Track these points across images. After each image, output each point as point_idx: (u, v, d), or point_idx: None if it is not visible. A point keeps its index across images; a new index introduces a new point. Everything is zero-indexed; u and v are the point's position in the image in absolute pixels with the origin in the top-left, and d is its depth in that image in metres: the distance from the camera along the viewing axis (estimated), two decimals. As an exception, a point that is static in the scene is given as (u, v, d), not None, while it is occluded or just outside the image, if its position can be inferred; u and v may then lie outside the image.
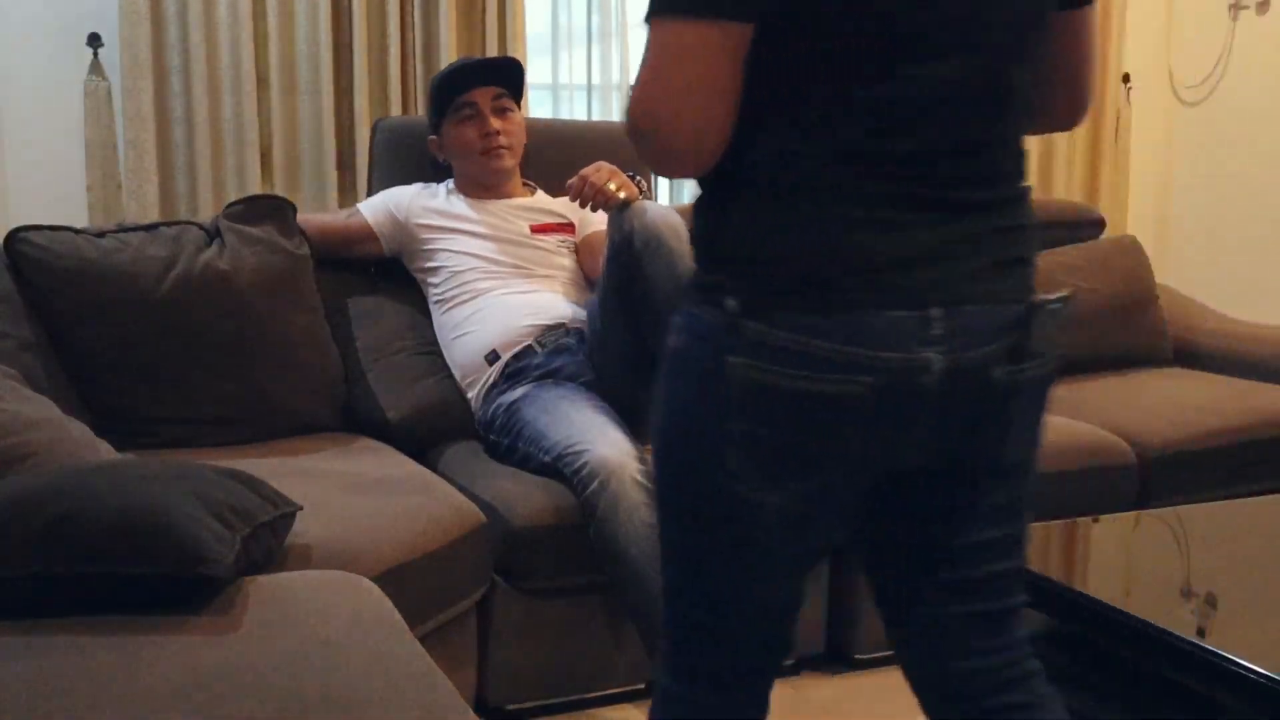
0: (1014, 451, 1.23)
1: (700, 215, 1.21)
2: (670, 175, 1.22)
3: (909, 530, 1.28)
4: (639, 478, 2.09)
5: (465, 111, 2.57)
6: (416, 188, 2.66)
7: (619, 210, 2.24)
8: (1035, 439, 1.26)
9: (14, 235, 2.24)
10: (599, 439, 2.14)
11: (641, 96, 1.11)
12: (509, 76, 2.62)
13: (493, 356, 2.45)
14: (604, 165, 2.34)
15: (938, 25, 1.11)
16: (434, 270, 2.58)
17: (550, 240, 2.63)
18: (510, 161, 2.61)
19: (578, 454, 2.12)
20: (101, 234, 2.30)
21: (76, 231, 2.29)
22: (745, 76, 1.12)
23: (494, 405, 2.39)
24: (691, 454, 1.19)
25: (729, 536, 1.21)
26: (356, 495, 1.99)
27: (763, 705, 1.32)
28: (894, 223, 1.13)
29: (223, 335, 2.29)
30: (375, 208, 2.62)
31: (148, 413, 2.27)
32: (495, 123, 2.56)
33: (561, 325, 2.48)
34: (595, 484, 2.07)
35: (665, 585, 1.29)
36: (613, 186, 2.29)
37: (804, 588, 1.29)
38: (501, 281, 2.52)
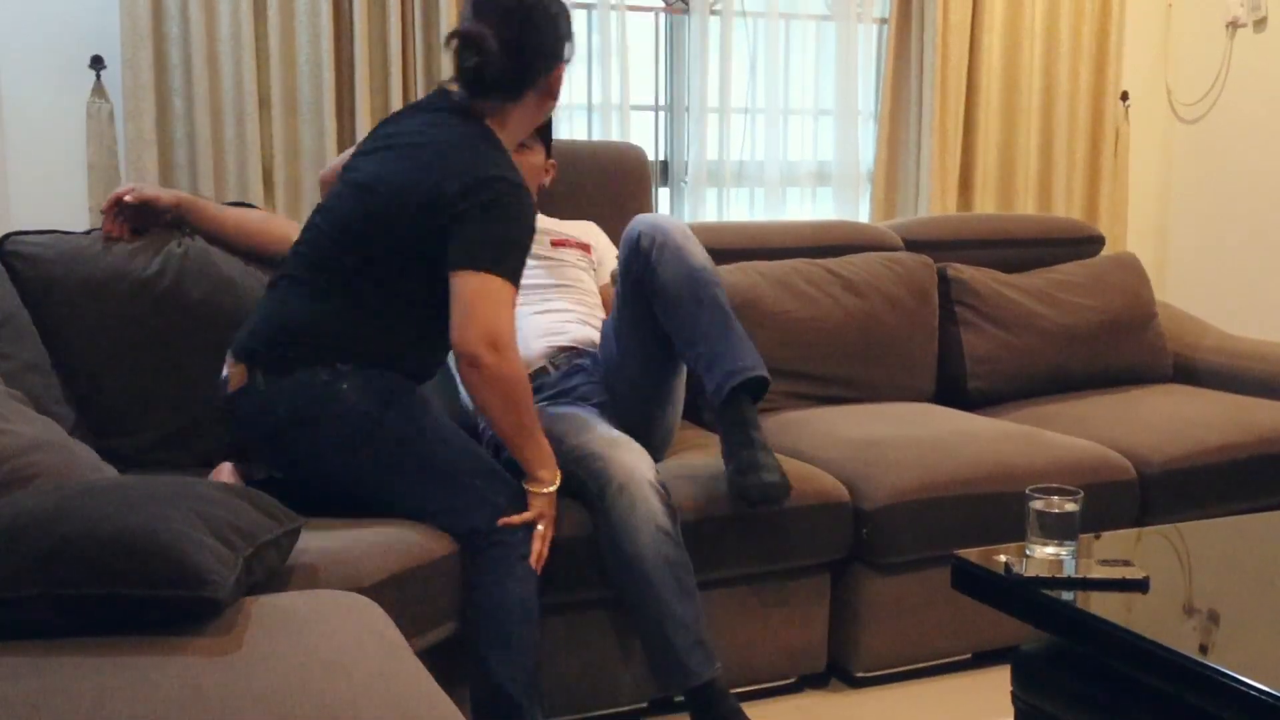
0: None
1: None
2: None
3: None
4: (657, 486, 2.10)
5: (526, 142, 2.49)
6: None
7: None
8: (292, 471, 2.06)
9: (8, 239, 2.27)
10: (620, 445, 2.15)
11: None
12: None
13: None
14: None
15: None
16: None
17: (571, 254, 2.68)
18: None
19: (596, 455, 2.13)
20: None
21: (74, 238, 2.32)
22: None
23: None
24: None
25: None
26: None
27: None
28: None
29: (222, 346, 2.31)
30: None
31: (148, 423, 2.28)
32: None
33: (575, 347, 2.48)
34: (614, 486, 2.07)
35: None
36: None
37: None
38: (519, 297, 2.46)
